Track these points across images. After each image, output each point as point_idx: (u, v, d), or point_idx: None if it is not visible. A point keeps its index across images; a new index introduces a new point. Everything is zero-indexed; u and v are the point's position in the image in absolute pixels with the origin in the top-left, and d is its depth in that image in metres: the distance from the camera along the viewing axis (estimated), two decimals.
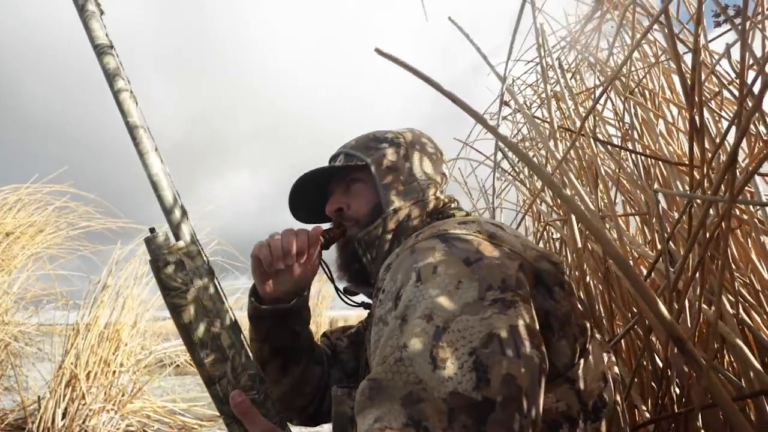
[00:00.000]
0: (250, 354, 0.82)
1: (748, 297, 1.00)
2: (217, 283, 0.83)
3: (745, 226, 1.08)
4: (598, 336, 0.78)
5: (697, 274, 0.81)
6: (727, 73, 1.22)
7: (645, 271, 1.08)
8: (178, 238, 0.82)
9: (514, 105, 1.61)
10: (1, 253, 3.50)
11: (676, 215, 1.09)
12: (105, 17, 0.91)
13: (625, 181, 1.40)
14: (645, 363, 1.07)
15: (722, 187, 0.73)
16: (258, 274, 0.96)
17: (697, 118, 0.74)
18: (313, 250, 0.96)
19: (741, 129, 0.59)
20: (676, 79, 1.40)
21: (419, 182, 0.97)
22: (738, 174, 0.77)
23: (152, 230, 0.82)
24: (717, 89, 1.23)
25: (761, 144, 1.04)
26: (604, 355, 0.75)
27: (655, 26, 1.39)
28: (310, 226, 0.98)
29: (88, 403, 3.10)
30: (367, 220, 0.97)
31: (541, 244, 1.63)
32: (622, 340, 1.18)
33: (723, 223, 0.68)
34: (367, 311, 1.05)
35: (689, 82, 0.73)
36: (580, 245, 1.16)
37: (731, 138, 0.70)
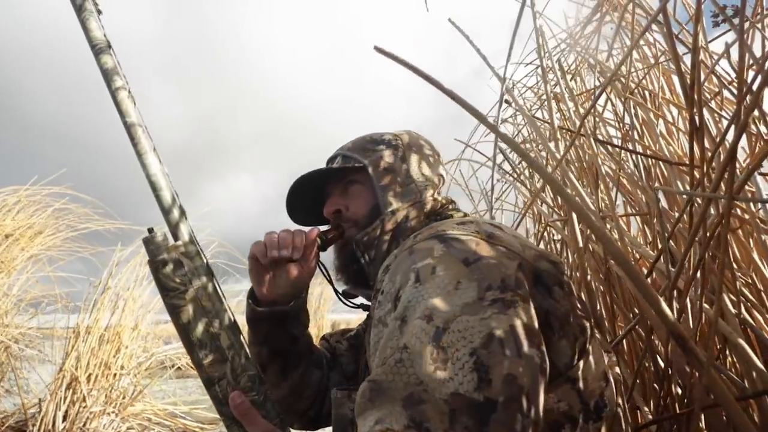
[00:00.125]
0: (250, 355, 0.82)
1: (750, 297, 0.99)
2: (216, 284, 0.82)
3: (746, 225, 1.08)
4: (598, 336, 0.78)
5: (698, 273, 0.81)
6: (727, 73, 1.22)
7: (646, 272, 1.08)
8: (176, 238, 0.82)
9: (515, 105, 1.61)
10: (0, 255, 3.50)
11: (678, 215, 1.08)
12: (104, 18, 0.91)
13: (625, 182, 1.39)
14: (647, 364, 1.07)
15: (722, 186, 0.73)
16: (255, 274, 0.96)
17: (696, 116, 0.74)
18: (309, 251, 0.96)
19: (740, 125, 0.59)
20: (676, 80, 1.40)
21: (416, 184, 0.98)
22: (739, 173, 0.77)
23: (150, 230, 0.81)
24: (717, 90, 1.23)
25: (762, 143, 1.04)
26: (605, 354, 0.74)
27: (655, 28, 1.39)
28: (307, 228, 0.98)
29: (89, 406, 3.10)
30: (365, 221, 0.97)
31: (541, 245, 1.62)
32: (624, 341, 1.18)
33: (723, 221, 0.67)
34: (367, 313, 1.05)
35: (688, 81, 0.72)
36: (581, 245, 1.15)
37: (731, 137, 0.70)
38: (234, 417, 0.78)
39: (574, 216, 1.15)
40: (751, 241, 1.08)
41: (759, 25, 1.01)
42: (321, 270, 1.04)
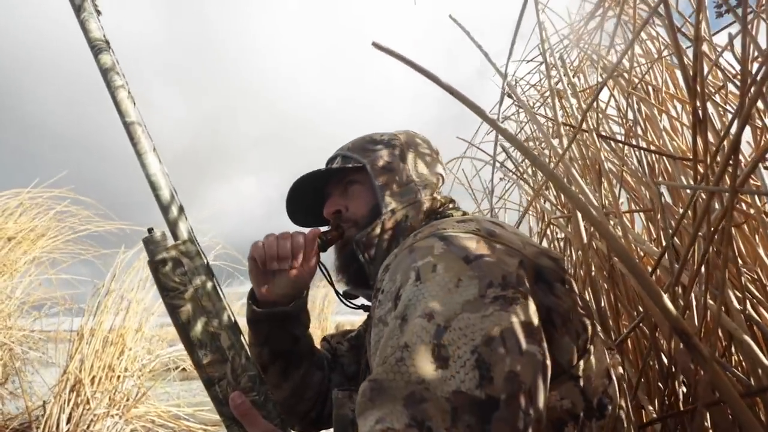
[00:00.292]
0: (251, 356, 0.81)
1: (756, 293, 0.98)
2: (216, 283, 0.82)
3: (752, 221, 1.07)
4: (601, 333, 0.77)
5: (703, 269, 0.80)
6: (732, 66, 1.21)
7: (650, 269, 1.07)
8: (176, 237, 0.82)
9: (517, 101, 1.60)
10: (3, 258, 3.50)
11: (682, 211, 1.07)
12: (107, 22, 0.91)
13: (629, 178, 1.38)
14: (651, 362, 1.06)
15: (726, 179, 0.71)
16: (254, 275, 0.96)
17: (699, 109, 0.73)
18: (309, 252, 0.96)
19: (743, 116, 0.58)
20: (679, 75, 1.39)
21: (416, 183, 0.98)
22: (744, 167, 0.76)
23: (150, 230, 0.81)
24: (722, 84, 1.22)
25: (767, 137, 1.02)
26: (607, 352, 0.73)
27: (658, 22, 1.38)
28: (307, 230, 0.98)
29: (93, 408, 3.10)
30: (365, 221, 0.97)
31: (545, 243, 1.61)
32: (629, 340, 1.17)
33: (726, 215, 0.66)
34: (367, 314, 1.05)
35: (691, 73, 0.71)
36: (585, 241, 1.14)
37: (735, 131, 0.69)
38: (234, 417, 0.77)
39: (578, 213, 1.15)
40: (756, 236, 1.07)
41: (764, 15, 1.00)
42: (321, 271, 1.04)
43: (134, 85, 0.87)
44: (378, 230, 0.93)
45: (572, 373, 0.66)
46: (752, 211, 1.04)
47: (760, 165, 0.90)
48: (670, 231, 0.90)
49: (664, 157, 1.25)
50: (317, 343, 1.10)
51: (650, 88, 1.43)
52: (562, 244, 1.59)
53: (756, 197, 0.99)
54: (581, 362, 0.67)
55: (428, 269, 0.65)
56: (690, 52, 1.18)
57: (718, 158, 0.84)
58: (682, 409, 0.92)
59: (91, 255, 4.06)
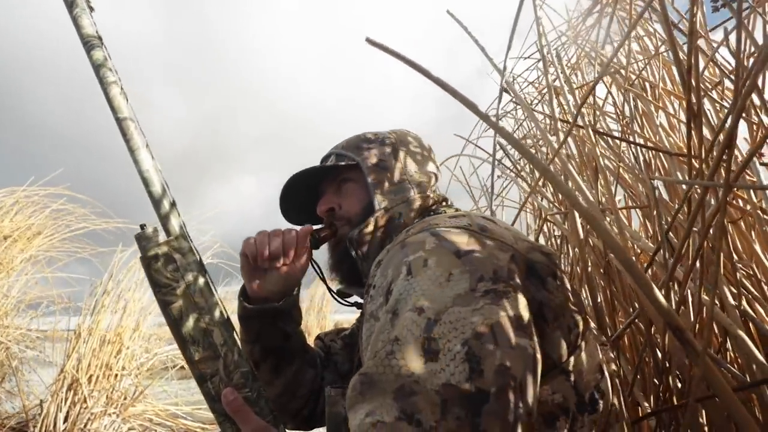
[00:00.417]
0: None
1: (751, 288, 0.98)
2: (208, 279, 0.82)
3: (747, 216, 1.06)
4: (594, 328, 0.77)
5: (698, 264, 0.79)
6: (728, 62, 1.20)
7: (646, 265, 1.07)
8: (168, 234, 0.82)
9: (514, 98, 1.59)
10: None
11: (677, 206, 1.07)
12: (107, 22, 0.90)
13: (625, 175, 1.38)
14: (647, 358, 1.05)
15: (722, 173, 0.71)
16: (246, 271, 0.96)
17: (695, 103, 0.73)
18: (301, 249, 0.96)
19: (737, 110, 0.57)
20: (676, 71, 1.38)
21: (408, 181, 0.98)
22: (739, 162, 0.75)
23: (143, 226, 0.81)
24: (718, 79, 1.22)
25: (764, 132, 1.02)
26: (600, 347, 0.73)
27: (655, 18, 1.38)
28: (299, 228, 0.98)
29: (90, 407, 3.10)
30: (358, 219, 0.97)
31: (541, 240, 1.61)
32: (625, 336, 1.16)
33: (720, 209, 0.66)
34: (360, 311, 1.05)
35: (686, 66, 0.71)
36: (581, 237, 1.14)
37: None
38: (226, 414, 0.77)
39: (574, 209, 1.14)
40: (752, 232, 1.06)
41: (760, 10, 0.99)
42: (315, 269, 1.03)
43: (134, 85, 0.87)
44: (371, 228, 0.93)
45: (564, 368, 0.66)
46: (748, 207, 1.03)
47: (756, 160, 0.89)
48: (665, 226, 0.90)
49: (661, 154, 1.25)
50: (310, 341, 1.10)
51: (647, 84, 1.43)
52: (558, 240, 1.59)
53: (752, 193, 0.99)
54: (573, 357, 0.67)
55: (419, 264, 0.65)
56: (686, 48, 1.17)
57: (714, 153, 0.84)
58: (676, 404, 0.92)
59: (87, 253, 4.05)
